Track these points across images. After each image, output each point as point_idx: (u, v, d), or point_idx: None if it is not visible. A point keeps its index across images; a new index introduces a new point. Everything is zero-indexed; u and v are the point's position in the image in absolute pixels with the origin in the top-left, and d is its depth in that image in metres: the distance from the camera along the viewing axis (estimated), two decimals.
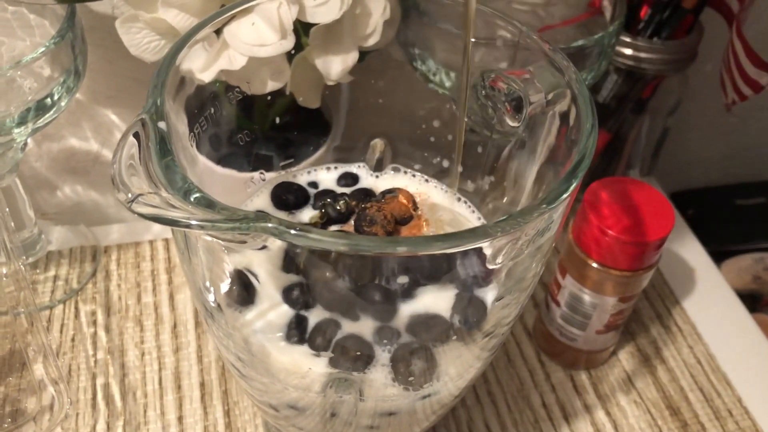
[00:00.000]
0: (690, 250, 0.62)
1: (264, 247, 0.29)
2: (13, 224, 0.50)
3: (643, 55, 0.54)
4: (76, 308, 0.52)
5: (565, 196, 0.25)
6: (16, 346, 0.48)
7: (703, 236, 0.71)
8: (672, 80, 0.57)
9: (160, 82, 0.28)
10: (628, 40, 0.54)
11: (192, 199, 0.24)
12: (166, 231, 0.58)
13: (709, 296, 0.58)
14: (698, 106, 0.72)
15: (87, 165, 0.58)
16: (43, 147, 0.56)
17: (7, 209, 0.47)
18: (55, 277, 0.53)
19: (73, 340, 0.50)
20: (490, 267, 0.27)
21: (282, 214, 0.39)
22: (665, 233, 0.43)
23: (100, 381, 0.48)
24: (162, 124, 0.26)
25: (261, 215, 0.23)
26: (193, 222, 0.23)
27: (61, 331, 0.51)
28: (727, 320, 0.56)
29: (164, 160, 0.25)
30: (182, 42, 0.30)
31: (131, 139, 0.24)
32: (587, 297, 0.46)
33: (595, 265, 0.44)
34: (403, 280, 0.32)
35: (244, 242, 0.24)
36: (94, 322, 0.51)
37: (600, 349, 0.50)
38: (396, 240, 0.23)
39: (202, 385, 0.48)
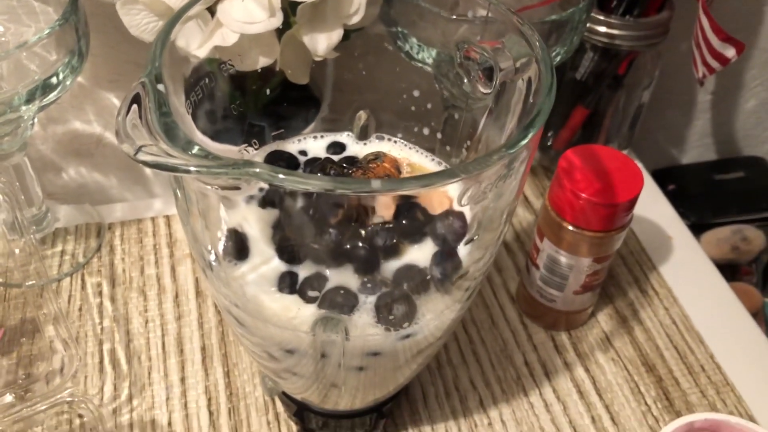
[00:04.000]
0: (667, 220, 0.64)
1: (252, 196, 0.32)
2: (23, 200, 0.53)
3: (616, 32, 0.57)
4: (83, 280, 0.55)
5: (523, 142, 0.28)
6: (28, 315, 0.51)
7: (684, 210, 0.74)
8: (646, 56, 0.60)
9: (158, 50, 0.31)
10: (602, 18, 0.57)
11: (192, 152, 0.27)
12: (167, 208, 0.61)
13: (685, 262, 0.61)
14: (676, 85, 0.75)
15: (90, 147, 0.61)
16: (48, 130, 0.59)
17: (17, 184, 0.50)
18: (62, 252, 0.56)
19: (80, 309, 0.53)
20: (457, 209, 0.30)
21: None
22: (634, 195, 0.46)
23: (106, 347, 0.51)
24: (161, 86, 0.29)
25: (249, 162, 0.26)
26: (191, 168, 0.25)
27: (69, 302, 0.54)
28: (702, 284, 0.59)
29: (164, 119, 0.27)
30: (176, 17, 0.33)
31: (134, 99, 0.27)
32: (563, 258, 0.49)
33: (569, 227, 0.47)
34: (384, 231, 0.35)
35: (238, 188, 0.27)
36: (100, 293, 0.54)
37: (578, 309, 0.53)
38: (371, 180, 0.25)
39: (203, 349, 0.51)
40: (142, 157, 0.25)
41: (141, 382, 0.49)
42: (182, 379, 0.50)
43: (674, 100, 0.77)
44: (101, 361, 0.50)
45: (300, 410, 0.45)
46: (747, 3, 0.71)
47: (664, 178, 0.79)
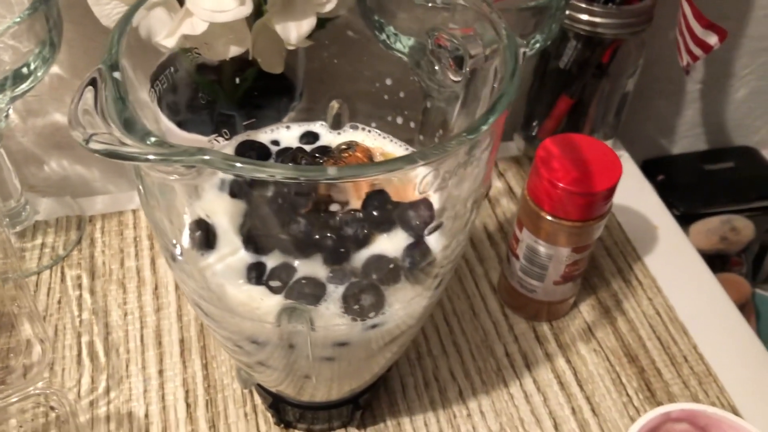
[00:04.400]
0: (654, 210, 0.64)
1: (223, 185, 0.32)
2: None
3: (599, 20, 0.56)
4: (62, 273, 0.55)
5: (484, 128, 0.27)
6: (5, 309, 0.51)
7: (673, 201, 0.74)
8: (629, 44, 0.59)
9: (116, 37, 0.30)
10: (584, 5, 0.56)
11: (147, 141, 0.26)
12: None
13: (671, 253, 0.60)
14: (665, 74, 0.74)
15: (71, 140, 0.60)
16: (28, 122, 0.58)
17: None
18: (42, 245, 0.56)
19: (59, 302, 0.53)
20: (420, 196, 0.29)
21: None
22: (612, 183, 0.45)
23: (84, 339, 0.51)
24: (117, 74, 0.28)
25: (202, 149, 0.25)
26: (145, 156, 0.25)
27: (48, 294, 0.53)
28: (687, 274, 0.59)
29: (119, 106, 0.27)
30: (139, 2, 0.33)
31: (89, 85, 0.27)
32: (542, 248, 0.49)
33: (548, 217, 0.47)
34: (352, 220, 0.35)
35: (186, 176, 0.26)
36: (80, 286, 0.54)
37: (559, 300, 0.53)
38: (327, 168, 0.25)
39: (182, 341, 0.51)
40: (93, 145, 0.25)
41: (119, 374, 0.49)
42: (160, 372, 0.49)
43: (663, 89, 0.77)
44: (79, 354, 0.50)
45: (276, 402, 0.45)
46: None
47: (653, 168, 0.78)
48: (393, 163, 0.27)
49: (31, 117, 0.58)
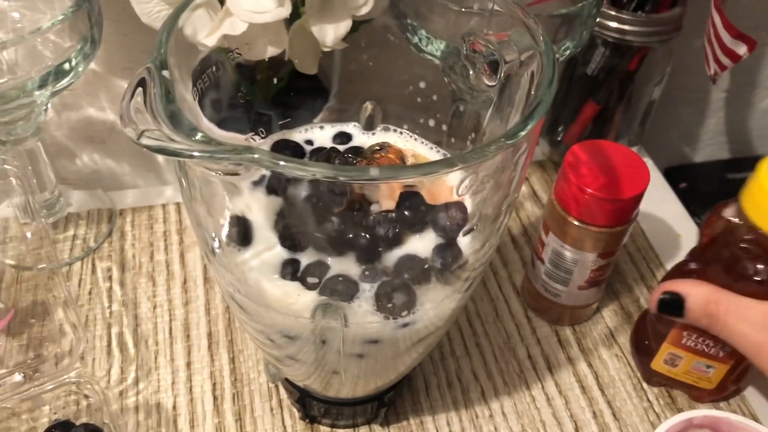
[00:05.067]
0: (677, 217, 0.64)
1: (259, 181, 0.32)
2: (36, 184, 0.54)
3: (628, 27, 0.57)
4: (93, 265, 0.56)
5: (522, 133, 0.28)
6: (39, 298, 0.52)
7: (695, 208, 0.74)
8: (657, 52, 0.59)
9: (164, 37, 0.31)
10: (613, 13, 0.57)
11: (195, 138, 0.27)
12: (178, 195, 0.62)
13: None
14: (690, 82, 0.75)
15: (104, 134, 0.62)
16: (63, 116, 0.59)
17: (30, 169, 0.50)
18: (74, 237, 0.57)
19: (89, 293, 0.54)
20: (456, 198, 0.30)
21: None
22: (640, 191, 0.46)
23: (114, 330, 0.52)
24: (166, 73, 0.29)
25: (250, 148, 0.26)
26: (194, 153, 0.26)
27: (79, 285, 0.54)
28: None
29: (168, 104, 0.28)
30: (184, 4, 0.34)
31: (138, 84, 0.28)
32: (568, 253, 0.49)
33: (574, 222, 0.47)
34: (386, 220, 0.35)
35: (238, 173, 0.27)
36: (110, 278, 0.55)
37: (583, 304, 0.53)
38: (369, 168, 0.26)
39: (210, 335, 0.52)
40: (144, 141, 0.26)
41: (147, 365, 0.50)
42: (188, 364, 0.50)
43: (688, 97, 0.77)
44: (109, 345, 0.51)
45: (302, 397, 0.46)
46: (763, 1, 0.70)
47: (676, 175, 0.78)
48: (433, 166, 0.27)
49: (66, 111, 0.59)
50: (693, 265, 0.46)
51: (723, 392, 0.49)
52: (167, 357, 0.51)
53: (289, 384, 0.46)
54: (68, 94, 0.58)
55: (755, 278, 0.41)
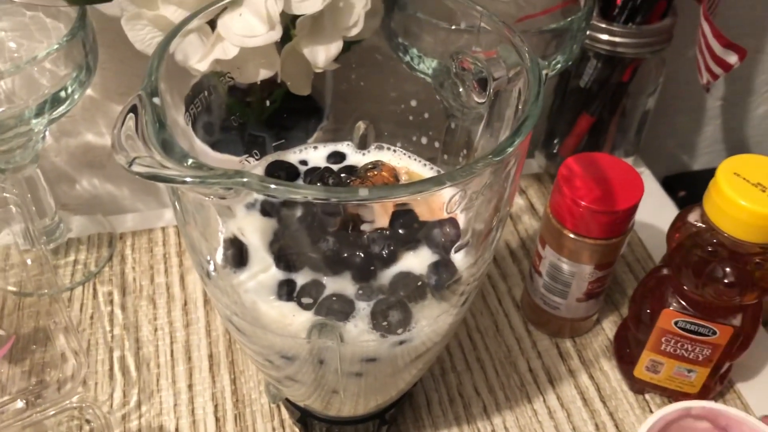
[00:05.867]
0: None
1: (253, 204, 0.33)
2: (35, 211, 0.54)
3: (619, 39, 0.57)
4: (94, 289, 0.56)
5: (509, 150, 0.28)
6: (40, 324, 0.52)
7: None
8: (650, 63, 0.60)
9: (155, 64, 0.32)
10: (604, 26, 0.57)
11: (186, 164, 0.27)
12: None
13: None
14: (685, 91, 0.75)
15: (102, 159, 0.62)
16: (61, 142, 0.60)
17: (29, 196, 0.51)
18: (75, 262, 0.58)
19: (91, 317, 0.54)
20: (446, 215, 0.30)
21: None
22: (634, 202, 0.46)
23: (116, 354, 0.52)
24: (156, 100, 0.30)
25: (240, 172, 0.27)
26: (185, 179, 0.26)
27: (80, 310, 0.55)
28: None
29: (159, 131, 0.28)
30: (175, 31, 0.34)
31: (130, 111, 0.28)
32: (565, 266, 0.49)
33: (570, 234, 0.48)
34: (380, 239, 0.36)
35: (225, 198, 0.28)
36: (111, 302, 0.55)
37: (582, 316, 0.53)
38: (359, 188, 0.26)
39: (211, 356, 0.52)
40: (136, 168, 0.26)
41: (150, 388, 0.50)
42: (190, 386, 0.50)
43: (683, 106, 0.77)
44: (111, 368, 0.51)
45: (303, 416, 0.46)
46: (755, 9, 0.71)
47: (674, 184, 0.78)
48: (421, 185, 0.27)
49: (64, 137, 0.60)
50: (665, 271, 0.46)
51: (707, 395, 0.49)
52: (169, 379, 0.51)
53: (290, 404, 0.46)
54: (66, 120, 0.59)
55: (724, 281, 0.42)
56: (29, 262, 0.48)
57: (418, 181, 0.27)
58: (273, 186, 0.27)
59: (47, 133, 0.51)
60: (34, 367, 0.50)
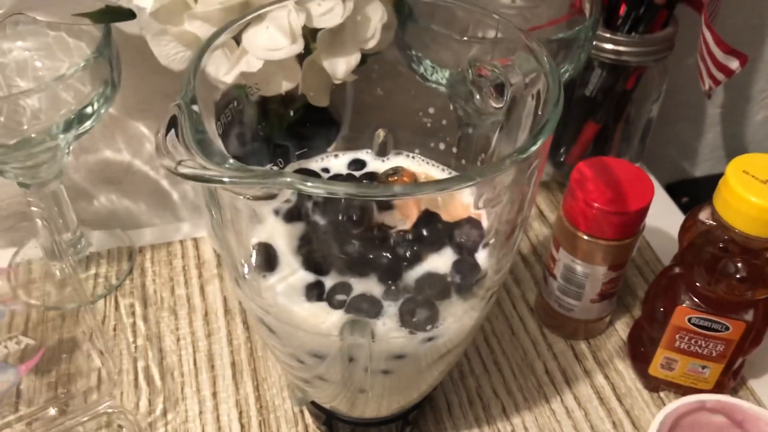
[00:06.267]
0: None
1: (277, 212, 0.34)
2: (62, 224, 0.56)
3: (623, 48, 0.59)
4: (116, 302, 0.57)
5: (533, 148, 0.30)
6: (65, 336, 0.53)
7: None
8: (653, 71, 0.62)
9: (191, 74, 0.33)
10: (608, 35, 0.59)
11: (226, 165, 0.29)
12: (194, 231, 0.63)
13: None
14: (686, 99, 0.77)
15: (120, 175, 0.64)
16: (80, 159, 0.61)
17: (56, 209, 0.52)
18: (96, 275, 0.59)
19: (114, 329, 0.55)
20: (473, 214, 0.31)
21: None
22: (646, 203, 0.47)
23: (140, 364, 0.53)
24: (196, 107, 0.31)
25: (280, 172, 0.28)
26: (225, 179, 0.28)
27: (103, 322, 0.56)
28: None
29: (199, 136, 0.30)
30: (206, 45, 0.36)
31: (171, 119, 0.30)
32: (579, 267, 0.50)
33: (584, 236, 0.49)
34: (405, 240, 0.37)
35: (271, 197, 0.29)
36: (133, 313, 0.56)
37: (596, 318, 0.54)
38: (393, 185, 0.27)
39: (233, 364, 0.53)
40: (182, 170, 0.28)
41: (174, 396, 0.51)
42: (214, 394, 0.51)
43: (684, 114, 0.79)
44: (136, 378, 0.52)
45: (328, 419, 0.47)
46: (753, 17, 0.73)
47: (677, 190, 0.80)
48: (452, 181, 0.29)
49: (84, 154, 0.61)
50: (677, 270, 0.48)
51: (721, 391, 0.50)
52: (193, 388, 0.52)
53: (314, 407, 0.47)
54: (86, 137, 0.60)
55: (736, 276, 0.43)
56: (57, 274, 0.50)
57: (448, 178, 0.28)
58: (311, 184, 0.28)
59: (71, 148, 0.52)
60: (60, 378, 0.51)
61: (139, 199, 0.66)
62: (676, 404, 0.41)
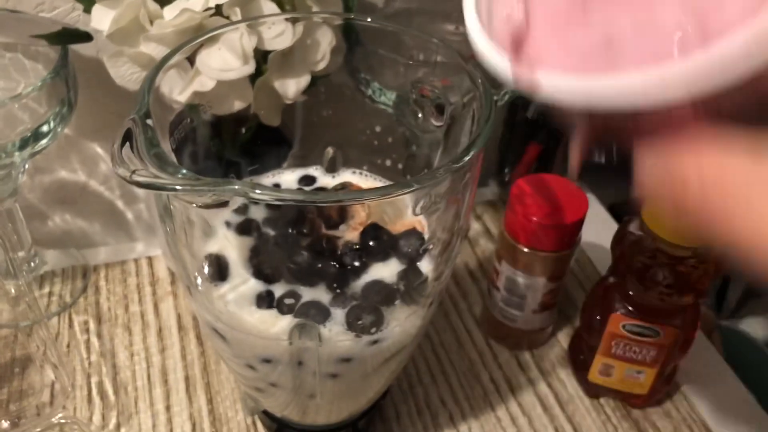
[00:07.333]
0: None
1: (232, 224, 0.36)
2: (16, 241, 0.56)
3: None
4: (70, 319, 0.58)
5: (466, 158, 0.32)
6: (16, 354, 0.54)
7: None
8: None
9: (146, 90, 0.35)
10: None
11: (179, 175, 0.30)
12: (148, 250, 0.64)
13: None
14: None
15: (75, 195, 0.64)
16: (35, 179, 0.62)
17: (10, 226, 0.53)
18: (50, 294, 0.59)
19: (68, 346, 0.56)
20: (413, 218, 0.34)
21: None
22: (580, 216, 0.50)
23: (94, 379, 0.54)
24: (149, 121, 0.33)
25: (228, 180, 0.30)
26: (179, 186, 0.29)
27: (57, 340, 0.56)
28: None
29: (153, 147, 0.31)
30: (160, 65, 0.37)
31: (126, 132, 0.31)
32: (521, 279, 0.53)
33: (524, 248, 0.51)
34: (351, 250, 0.39)
35: (222, 204, 0.31)
36: (87, 330, 0.57)
37: (539, 328, 0.57)
38: (337, 192, 0.29)
39: (187, 378, 0.54)
40: (136, 178, 0.29)
41: (128, 411, 0.52)
42: (167, 407, 0.52)
43: None
44: (89, 393, 0.53)
45: (280, 428, 0.48)
46: None
47: (620, 211, 0.83)
48: (393, 188, 0.31)
49: (39, 174, 0.62)
50: (611, 279, 0.51)
51: (656, 395, 0.53)
52: (147, 402, 0.52)
53: (267, 417, 0.48)
54: (41, 157, 0.61)
55: (664, 283, 0.46)
56: (12, 292, 0.50)
57: (389, 184, 0.30)
58: (259, 191, 0.30)
59: (26, 166, 0.53)
60: (12, 395, 0.51)
61: (94, 219, 0.66)
62: None
